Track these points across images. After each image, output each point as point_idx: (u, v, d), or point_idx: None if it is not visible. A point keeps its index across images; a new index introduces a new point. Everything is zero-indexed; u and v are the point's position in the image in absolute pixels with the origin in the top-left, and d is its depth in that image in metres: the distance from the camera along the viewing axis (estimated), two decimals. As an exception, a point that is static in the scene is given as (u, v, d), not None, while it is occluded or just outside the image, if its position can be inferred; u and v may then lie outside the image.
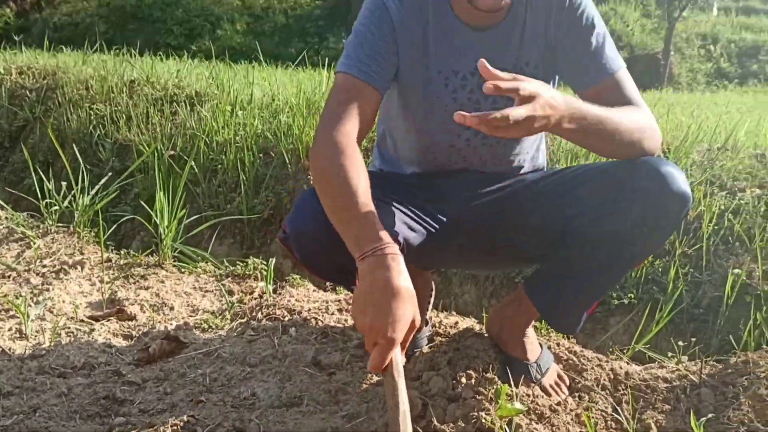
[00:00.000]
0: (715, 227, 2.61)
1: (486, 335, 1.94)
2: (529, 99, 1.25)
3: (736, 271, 2.39)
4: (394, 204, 1.61)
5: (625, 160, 1.52)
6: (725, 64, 15.77)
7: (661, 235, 1.53)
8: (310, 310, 2.19)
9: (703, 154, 3.23)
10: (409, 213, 1.64)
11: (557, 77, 1.69)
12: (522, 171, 1.78)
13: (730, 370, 1.76)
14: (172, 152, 3.41)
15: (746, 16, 19.28)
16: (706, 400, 1.70)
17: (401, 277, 1.25)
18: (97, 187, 3.12)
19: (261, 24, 14.66)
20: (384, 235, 1.28)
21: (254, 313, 2.19)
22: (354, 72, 1.49)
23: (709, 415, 1.61)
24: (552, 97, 1.30)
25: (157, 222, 2.65)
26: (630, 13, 16.31)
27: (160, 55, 10.10)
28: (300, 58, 13.86)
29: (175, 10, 14.41)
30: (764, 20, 18.54)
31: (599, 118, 1.40)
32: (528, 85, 1.26)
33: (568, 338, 2.12)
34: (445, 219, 1.70)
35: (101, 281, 2.49)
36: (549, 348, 1.92)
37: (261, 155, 3.32)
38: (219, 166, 3.35)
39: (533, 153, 1.80)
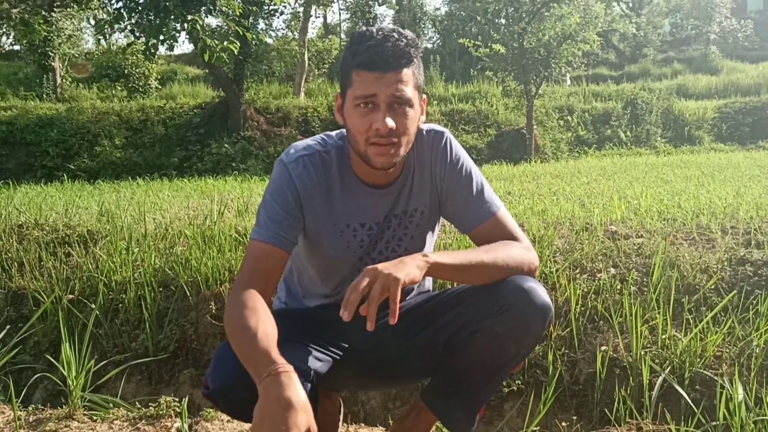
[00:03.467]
0: (582, 308, 2.96)
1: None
2: (367, 282, 1.56)
3: (603, 348, 2.72)
4: (302, 341, 1.81)
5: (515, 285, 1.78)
6: (583, 131, 17.15)
7: (529, 343, 1.79)
8: (227, 443, 2.31)
9: (565, 238, 3.63)
10: (316, 347, 1.84)
11: (440, 220, 1.99)
12: (409, 297, 2.03)
13: (605, 445, 2.03)
14: (71, 297, 3.45)
15: (596, 83, 21.20)
16: (589, 475, 1.96)
17: (293, 390, 1.43)
18: (-5, 342, 3.12)
19: (140, 137, 14.65)
20: (278, 358, 1.48)
21: (174, 455, 2.28)
22: (263, 238, 1.73)
23: (591, 490, 1.86)
24: (382, 266, 1.59)
25: (65, 374, 2.70)
26: (493, 91, 17.51)
27: (39, 182, 9.94)
28: (183, 165, 13.88)
29: (49, 132, 14.18)
30: (612, 86, 20.44)
31: (470, 261, 1.72)
32: (359, 277, 1.58)
33: None
34: (347, 346, 1.91)
35: (13, 444, 2.49)
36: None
37: (161, 289, 3.43)
38: (120, 305, 3.42)
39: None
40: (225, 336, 1.67)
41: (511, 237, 1.83)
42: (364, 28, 1.71)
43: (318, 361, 1.81)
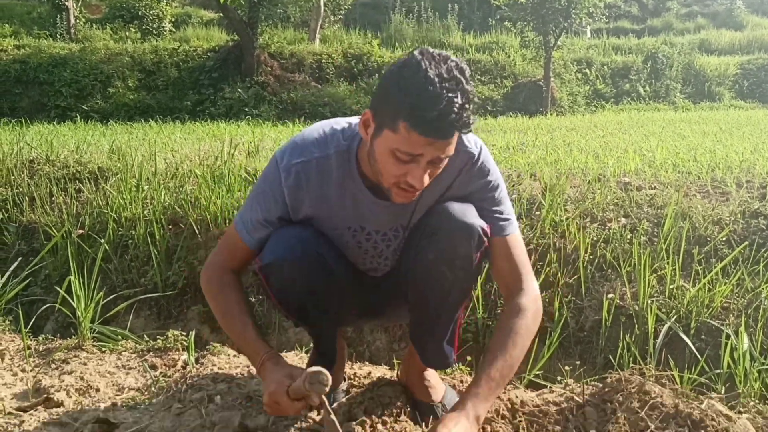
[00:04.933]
0: (590, 257, 2.94)
1: (396, 382, 2.16)
2: None
3: (610, 296, 2.72)
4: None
5: (437, 207, 1.77)
6: (601, 85, 16.86)
7: (461, 265, 1.75)
8: (233, 376, 2.33)
9: (577, 188, 3.59)
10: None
11: None
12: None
13: (607, 389, 2.03)
14: (81, 231, 3.47)
15: (617, 37, 20.76)
16: (590, 418, 1.97)
17: (281, 372, 1.70)
18: (7, 274, 3.16)
19: (153, 79, 14.55)
20: (262, 348, 1.78)
21: (179, 386, 2.31)
22: (241, 233, 1.84)
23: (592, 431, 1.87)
24: (458, 427, 1.60)
25: (74, 306, 2.73)
26: (511, 42, 17.19)
27: (52, 122, 9.94)
28: (196, 109, 13.81)
29: (62, 71, 14.10)
30: (633, 40, 20.00)
31: (500, 384, 1.73)
32: None
33: (470, 374, 2.37)
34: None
35: (23, 370, 2.54)
36: (453, 387, 2.16)
37: (170, 227, 3.44)
38: (129, 241, 3.44)
39: None
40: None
41: (518, 269, 1.82)
42: (426, 67, 1.48)
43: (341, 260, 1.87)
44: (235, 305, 1.84)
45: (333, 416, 1.61)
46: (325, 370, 1.57)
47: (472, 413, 1.64)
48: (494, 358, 1.72)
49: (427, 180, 1.58)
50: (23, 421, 2.15)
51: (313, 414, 2.03)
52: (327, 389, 1.57)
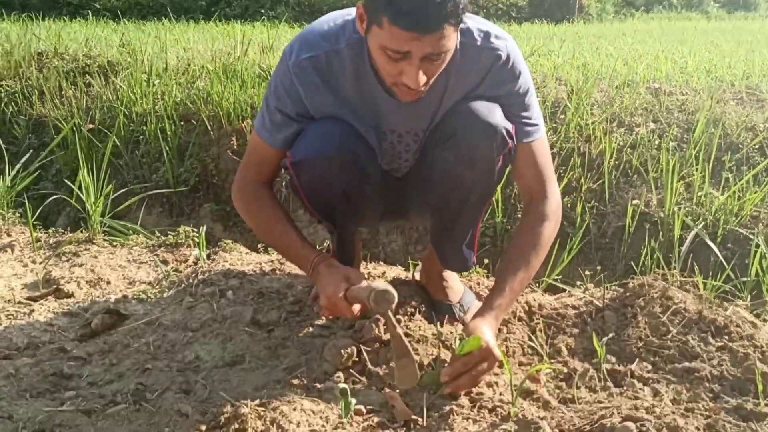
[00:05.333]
0: (616, 162, 2.83)
1: (411, 282, 2.10)
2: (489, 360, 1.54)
3: (635, 202, 2.62)
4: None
5: (459, 107, 1.66)
6: (631, -7, 16.19)
7: (483, 167, 1.66)
8: (245, 272, 2.29)
9: (604, 92, 3.43)
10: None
11: None
12: None
13: (629, 294, 1.97)
14: (91, 126, 3.39)
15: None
16: (609, 322, 1.91)
17: (335, 274, 1.65)
18: (17, 166, 3.10)
19: (168, -24, 14.10)
20: (311, 253, 1.72)
21: (191, 281, 2.28)
22: (265, 140, 1.74)
23: (611, 335, 1.81)
24: (492, 339, 1.57)
25: (84, 199, 2.68)
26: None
27: (63, 18, 9.70)
28: (210, 9, 13.43)
29: (74, -33, 13.69)
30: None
31: (520, 293, 1.75)
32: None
33: (488, 277, 2.31)
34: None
35: (33, 262, 2.51)
36: (470, 288, 2.10)
37: (182, 123, 3.34)
38: (140, 137, 3.36)
39: None
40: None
41: (542, 177, 1.74)
42: None
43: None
44: (275, 218, 1.78)
45: (400, 331, 1.54)
46: (391, 289, 1.51)
47: (494, 324, 1.63)
48: (516, 268, 1.69)
49: (423, 79, 1.46)
50: (33, 311, 2.13)
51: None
52: (393, 306, 1.50)
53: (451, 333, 1.81)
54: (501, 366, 1.69)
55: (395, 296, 1.51)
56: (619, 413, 1.42)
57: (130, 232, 2.74)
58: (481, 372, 1.53)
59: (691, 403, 1.53)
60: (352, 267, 1.93)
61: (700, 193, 2.59)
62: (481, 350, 1.51)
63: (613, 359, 1.76)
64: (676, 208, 2.52)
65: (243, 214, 1.86)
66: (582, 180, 2.78)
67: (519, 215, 2.76)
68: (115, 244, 2.67)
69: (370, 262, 2.43)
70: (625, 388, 1.64)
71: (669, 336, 1.79)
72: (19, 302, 2.20)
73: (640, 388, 1.62)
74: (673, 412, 1.44)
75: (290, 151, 1.70)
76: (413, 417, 1.48)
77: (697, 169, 2.67)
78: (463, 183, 1.69)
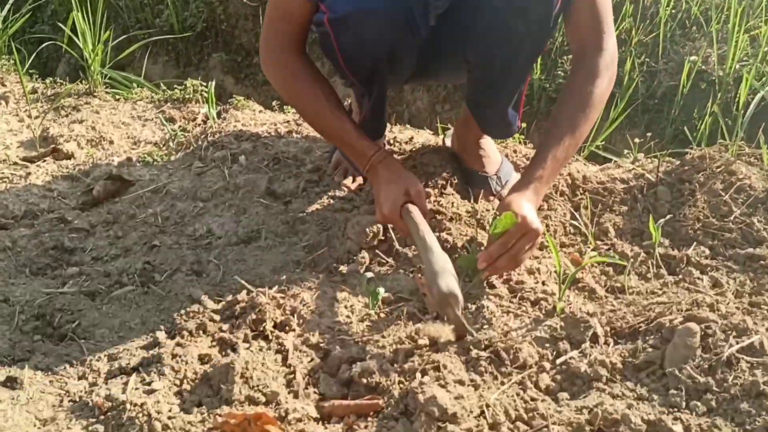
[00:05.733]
0: (672, 11, 2.51)
1: (442, 149, 1.89)
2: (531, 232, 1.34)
3: (692, 58, 2.33)
4: None
5: None
6: None
7: (538, 15, 1.44)
8: (258, 134, 2.09)
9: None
10: None
11: None
12: None
13: (686, 167, 1.76)
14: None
15: None
16: (662, 199, 1.71)
17: (396, 175, 1.51)
18: (7, 6, 2.81)
19: None
20: (369, 148, 1.53)
21: (200, 142, 2.09)
22: None
23: (668, 216, 1.62)
24: (530, 212, 1.36)
25: (81, 46, 2.43)
26: None
27: None
28: None
29: None
30: None
31: (564, 163, 1.52)
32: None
33: (525, 143, 2.09)
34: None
35: (30, 116, 2.32)
36: (507, 157, 1.89)
37: (185, -41, 3.00)
38: (141, -25, 3.03)
39: None
40: (256, 17, 1.43)
41: (597, 27, 1.50)
42: None
43: None
44: (324, 101, 1.54)
45: (463, 318, 1.22)
46: (458, 293, 1.21)
47: (534, 199, 1.42)
48: (561, 134, 1.46)
49: None
50: (30, 173, 1.96)
51: (349, 182, 1.81)
52: (461, 307, 1.22)
53: (488, 210, 1.63)
54: (541, 249, 1.53)
55: (460, 300, 1.22)
56: (678, 310, 1.26)
57: (134, 84, 2.52)
58: (521, 250, 1.34)
59: (755, 296, 1.37)
60: (383, 134, 1.75)
61: (767, 49, 2.30)
62: (518, 225, 1.32)
63: (667, 242, 1.58)
64: (738, 66, 2.24)
65: (281, 92, 1.66)
66: (633, 32, 2.48)
67: (559, 71, 2.50)
68: (117, 97, 2.46)
69: (396, 124, 2.21)
70: (680, 276, 1.47)
71: (731, 217, 1.60)
72: (15, 163, 2.03)
73: (697, 278, 1.45)
74: (739, 309, 1.28)
75: (326, 3, 1.42)
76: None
77: (766, 21, 2.35)
78: (512, 34, 1.46)
